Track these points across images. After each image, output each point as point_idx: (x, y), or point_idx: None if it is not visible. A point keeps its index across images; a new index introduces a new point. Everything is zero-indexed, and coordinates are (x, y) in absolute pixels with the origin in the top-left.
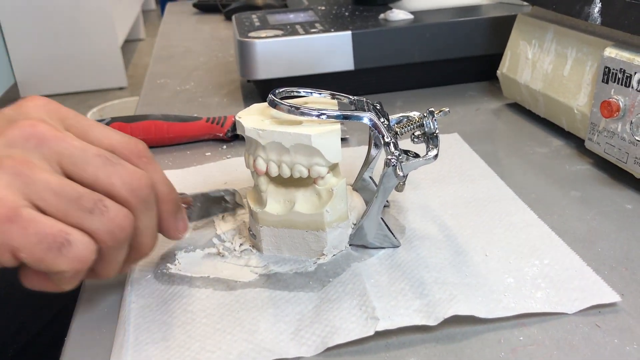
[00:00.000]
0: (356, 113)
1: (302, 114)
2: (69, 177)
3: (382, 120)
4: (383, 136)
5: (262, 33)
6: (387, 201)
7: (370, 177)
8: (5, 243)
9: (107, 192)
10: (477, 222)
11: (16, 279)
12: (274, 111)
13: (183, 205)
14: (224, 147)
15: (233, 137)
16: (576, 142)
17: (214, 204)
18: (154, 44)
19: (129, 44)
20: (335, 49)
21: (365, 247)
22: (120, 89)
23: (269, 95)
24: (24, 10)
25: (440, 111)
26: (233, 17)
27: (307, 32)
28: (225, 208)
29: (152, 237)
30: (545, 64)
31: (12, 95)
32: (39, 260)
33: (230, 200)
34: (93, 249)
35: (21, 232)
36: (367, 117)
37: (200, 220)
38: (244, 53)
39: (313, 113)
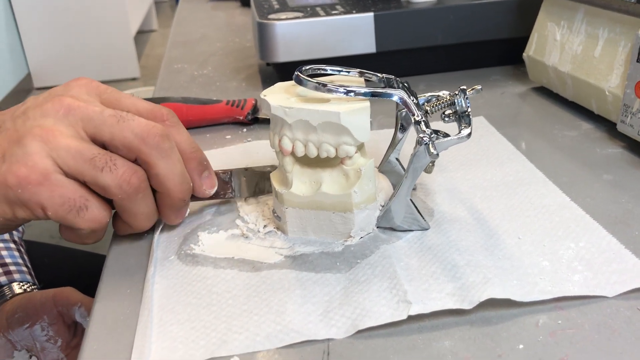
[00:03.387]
0: (386, 90)
1: (330, 91)
2: (94, 138)
3: (411, 98)
4: (414, 115)
5: (282, 15)
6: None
7: (397, 159)
8: (37, 202)
9: (123, 144)
10: (507, 205)
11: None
12: (299, 89)
13: (220, 171)
14: (244, 130)
15: (253, 120)
16: (606, 125)
17: (263, 180)
18: (166, 35)
19: (142, 35)
20: (356, 31)
21: (393, 229)
22: (133, 79)
23: (295, 72)
24: (38, 1)
25: (472, 89)
26: (252, 0)
27: (327, 14)
28: None
29: (180, 182)
30: (575, 45)
31: (26, 86)
32: (61, 218)
33: None
34: (107, 213)
35: (49, 194)
36: (397, 95)
37: (255, 197)
38: (263, 35)
39: (341, 90)
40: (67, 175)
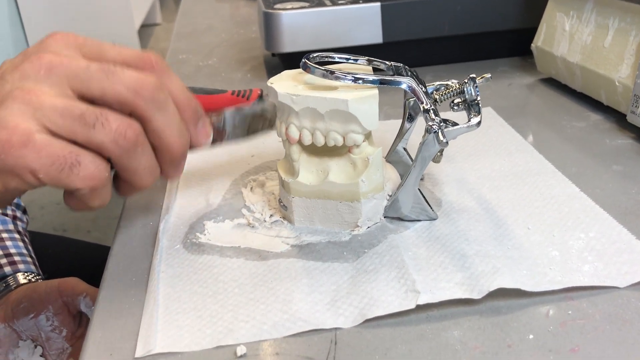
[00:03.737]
0: (395, 78)
1: (337, 78)
2: (82, 96)
3: (420, 87)
4: (422, 103)
5: (288, 5)
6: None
7: (405, 149)
8: (24, 166)
9: (116, 100)
10: (516, 195)
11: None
12: (307, 76)
13: (213, 116)
14: None
15: None
16: (616, 116)
17: (255, 120)
18: (170, 29)
19: (146, 29)
20: (363, 21)
21: (400, 219)
22: None
23: (303, 60)
24: None
25: (482, 77)
26: None
27: (334, 4)
28: (270, 123)
29: (178, 136)
30: (584, 35)
31: None
32: (54, 180)
33: (271, 115)
34: (103, 167)
35: (35, 155)
36: (405, 83)
37: (246, 137)
38: (269, 25)
39: (349, 78)
40: (57, 137)
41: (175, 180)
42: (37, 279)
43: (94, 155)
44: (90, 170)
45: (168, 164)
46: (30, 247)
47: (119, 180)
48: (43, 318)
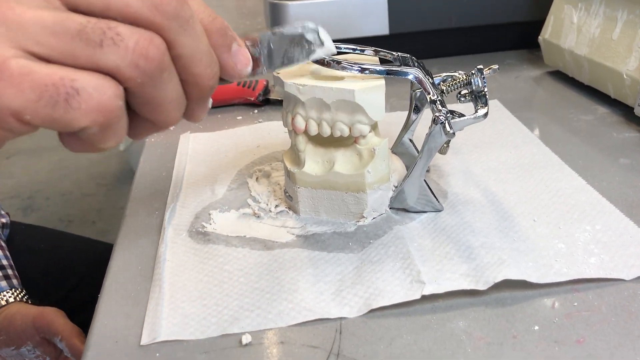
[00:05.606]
0: (402, 69)
1: (344, 68)
2: (75, 10)
3: (427, 77)
4: (429, 94)
5: None
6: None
7: (410, 140)
8: (2, 106)
9: (125, 16)
10: (522, 188)
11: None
12: (313, 67)
13: (247, 42)
14: (255, 111)
15: (264, 101)
16: (623, 110)
17: (294, 46)
18: None
19: None
20: (370, 12)
21: (406, 210)
22: None
23: None
24: None
25: (489, 69)
26: None
27: None
28: (309, 51)
29: (208, 64)
30: (592, 27)
31: None
32: (48, 120)
33: (313, 39)
34: (113, 92)
35: (14, 89)
36: (412, 74)
37: (283, 67)
38: (275, 16)
39: (355, 68)
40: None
41: (199, 121)
42: (14, 296)
43: (97, 76)
44: (95, 100)
45: (195, 100)
46: (4, 252)
47: (135, 119)
48: (24, 350)
